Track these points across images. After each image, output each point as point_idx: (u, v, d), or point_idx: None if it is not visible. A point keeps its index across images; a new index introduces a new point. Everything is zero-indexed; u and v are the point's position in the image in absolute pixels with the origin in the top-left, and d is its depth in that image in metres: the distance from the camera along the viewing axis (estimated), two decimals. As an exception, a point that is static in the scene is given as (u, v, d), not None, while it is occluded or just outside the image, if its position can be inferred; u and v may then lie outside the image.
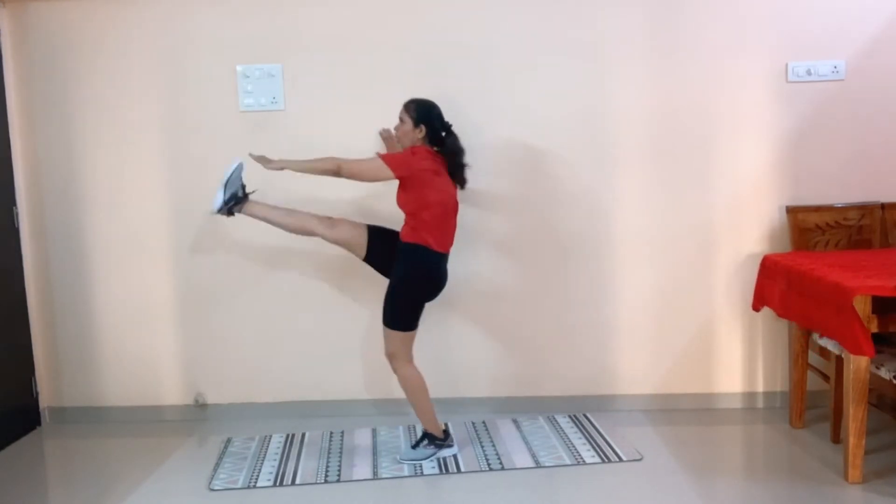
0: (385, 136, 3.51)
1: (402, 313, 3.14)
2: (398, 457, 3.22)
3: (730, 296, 3.66)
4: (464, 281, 3.67)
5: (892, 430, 3.34)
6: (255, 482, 3.06)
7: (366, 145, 3.58)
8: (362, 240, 3.22)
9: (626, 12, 3.55)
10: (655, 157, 3.62)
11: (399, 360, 3.16)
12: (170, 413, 3.83)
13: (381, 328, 3.17)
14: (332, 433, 3.56)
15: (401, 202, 3.16)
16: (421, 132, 3.16)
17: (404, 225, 3.17)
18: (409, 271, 3.13)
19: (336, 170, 3.09)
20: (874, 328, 2.73)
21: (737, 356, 3.70)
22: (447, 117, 3.58)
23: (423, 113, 3.17)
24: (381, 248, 3.21)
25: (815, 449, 3.19)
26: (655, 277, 3.67)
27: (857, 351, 2.73)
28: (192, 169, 3.70)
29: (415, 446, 3.23)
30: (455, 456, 3.23)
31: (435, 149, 3.18)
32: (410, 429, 3.56)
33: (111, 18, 3.63)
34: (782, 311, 3.22)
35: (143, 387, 3.83)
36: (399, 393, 3.59)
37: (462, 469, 3.11)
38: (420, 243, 3.11)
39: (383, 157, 3.09)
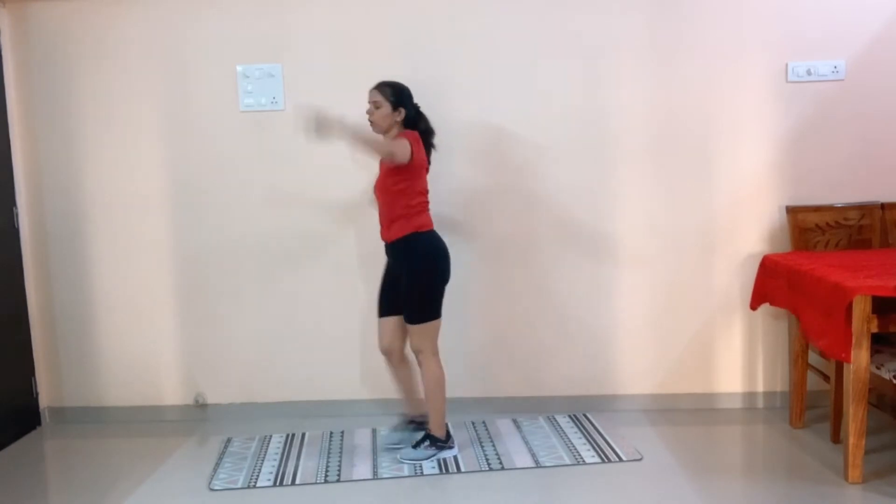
0: None
1: (429, 303, 3.13)
2: (399, 456, 3.21)
3: (730, 296, 3.66)
4: (464, 280, 3.67)
5: (892, 430, 3.34)
6: (255, 482, 3.06)
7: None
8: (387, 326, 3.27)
9: (626, 12, 3.55)
10: (656, 157, 3.62)
11: (426, 353, 3.16)
12: (170, 413, 3.83)
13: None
14: (332, 433, 3.56)
15: (390, 186, 3.08)
16: (400, 115, 3.12)
17: (390, 224, 3.11)
18: (421, 260, 3.11)
19: (390, 153, 2.99)
20: (874, 328, 2.73)
21: (737, 356, 3.70)
22: (449, 117, 3.61)
23: (401, 95, 3.13)
24: (392, 300, 3.24)
25: (815, 449, 3.19)
26: (655, 277, 3.67)
27: (838, 355, 2.75)
28: (192, 169, 3.70)
29: (416, 446, 3.23)
30: (455, 456, 3.23)
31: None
32: (410, 429, 3.56)
33: (111, 18, 3.64)
34: (793, 310, 3.20)
35: (143, 387, 3.83)
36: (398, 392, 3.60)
37: (462, 469, 3.11)
38: (417, 230, 3.10)
39: (406, 137, 3.04)
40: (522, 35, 3.58)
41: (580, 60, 3.58)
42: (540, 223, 3.67)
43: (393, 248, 3.16)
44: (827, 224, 3.52)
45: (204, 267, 3.75)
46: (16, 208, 3.73)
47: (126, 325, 3.80)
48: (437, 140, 3.25)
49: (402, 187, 3.07)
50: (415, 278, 3.11)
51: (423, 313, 3.12)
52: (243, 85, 3.64)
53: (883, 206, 3.52)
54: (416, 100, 3.19)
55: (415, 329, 3.14)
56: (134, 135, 3.70)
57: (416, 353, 3.18)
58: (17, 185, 3.74)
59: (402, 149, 3.00)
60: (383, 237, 3.18)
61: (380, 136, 3.12)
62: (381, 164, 3.16)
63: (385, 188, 3.11)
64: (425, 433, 3.23)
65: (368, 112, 3.14)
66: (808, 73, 3.54)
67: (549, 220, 3.66)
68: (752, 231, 3.63)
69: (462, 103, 3.61)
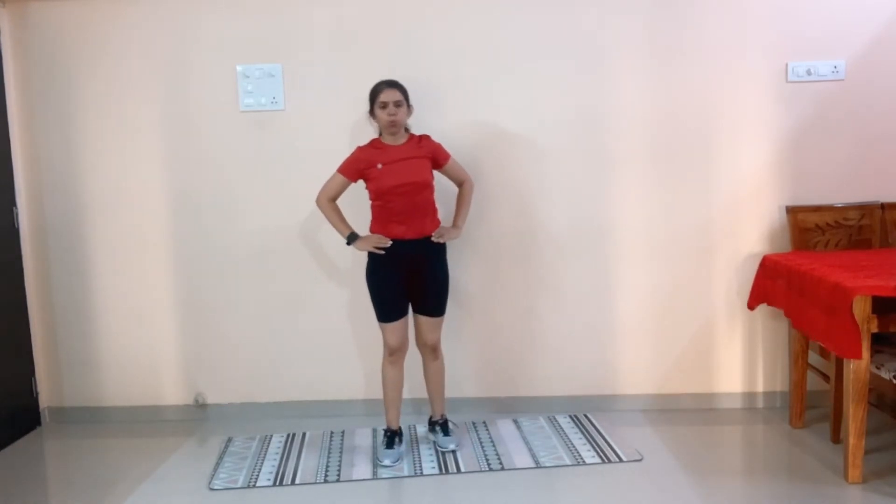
0: None
1: (448, 294, 3.29)
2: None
3: (730, 296, 3.66)
4: (464, 280, 3.67)
5: (892, 430, 3.34)
6: (255, 482, 3.06)
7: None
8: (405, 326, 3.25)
9: (626, 12, 3.55)
10: (655, 157, 3.62)
11: (440, 343, 3.32)
12: (170, 413, 3.83)
13: (379, 327, 3.21)
14: (332, 433, 3.56)
15: (430, 180, 3.19)
16: (412, 113, 3.23)
17: (424, 217, 3.17)
18: (446, 252, 3.28)
19: (472, 184, 3.37)
20: (874, 328, 2.73)
21: (737, 356, 3.70)
22: (448, 117, 3.61)
23: (408, 95, 3.21)
24: (405, 300, 3.25)
25: (815, 449, 3.19)
26: (655, 277, 3.67)
27: (846, 353, 2.74)
28: (192, 169, 3.70)
29: (448, 433, 3.35)
30: (455, 456, 3.23)
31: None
32: (411, 428, 3.56)
33: (111, 18, 3.64)
34: (788, 311, 3.21)
35: (143, 387, 3.83)
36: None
37: (462, 469, 3.11)
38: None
39: (436, 145, 3.25)
40: (523, 35, 3.58)
41: (580, 60, 3.58)
42: (540, 223, 3.67)
43: (422, 243, 3.15)
44: (827, 224, 3.52)
45: (204, 267, 3.75)
46: (16, 208, 3.73)
47: (126, 324, 3.80)
48: (437, 140, 3.29)
49: (431, 178, 3.21)
50: (445, 269, 3.25)
51: (445, 303, 3.28)
52: (243, 85, 3.64)
53: (883, 206, 3.52)
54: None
55: (438, 322, 3.26)
56: (134, 134, 3.70)
57: (434, 346, 3.29)
58: (17, 185, 3.74)
59: (462, 167, 3.33)
60: (415, 233, 3.13)
61: (464, 203, 3.33)
62: (415, 158, 3.14)
63: (427, 182, 3.16)
64: (445, 418, 3.39)
65: (391, 113, 3.09)
66: (808, 73, 3.54)
67: (548, 219, 3.66)
68: (752, 231, 3.63)
69: (462, 103, 3.61)
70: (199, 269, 3.75)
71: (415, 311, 3.26)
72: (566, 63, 3.59)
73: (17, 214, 3.74)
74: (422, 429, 3.54)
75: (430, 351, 3.30)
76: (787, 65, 3.54)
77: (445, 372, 3.39)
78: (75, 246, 3.77)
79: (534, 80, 3.59)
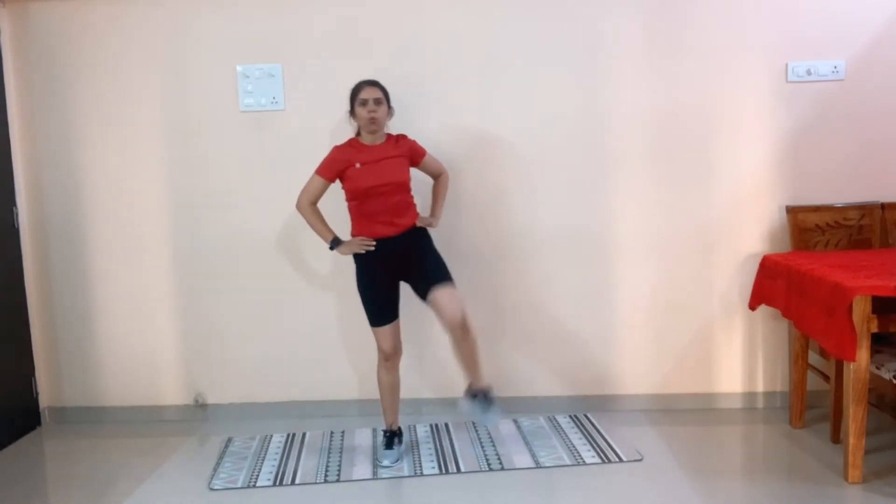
0: None
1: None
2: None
3: (730, 296, 3.66)
4: (463, 280, 3.67)
5: (892, 430, 3.34)
6: (255, 482, 3.06)
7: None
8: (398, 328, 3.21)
9: (626, 12, 3.55)
10: (655, 157, 3.62)
11: (466, 311, 3.06)
12: (170, 413, 3.83)
13: (372, 332, 3.18)
14: (332, 433, 3.56)
15: (406, 179, 3.16)
16: (392, 115, 3.21)
17: (403, 214, 3.12)
18: (429, 236, 3.24)
19: (447, 175, 3.38)
20: (874, 328, 2.73)
21: (737, 356, 3.70)
22: (449, 116, 3.61)
23: (388, 95, 3.19)
24: (396, 302, 3.21)
25: (815, 449, 3.19)
26: (655, 277, 3.68)
27: (842, 354, 2.74)
28: (192, 169, 3.70)
29: (487, 406, 3.17)
30: (455, 456, 3.23)
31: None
32: (411, 429, 3.55)
33: (111, 19, 3.64)
34: (786, 312, 3.21)
35: (143, 387, 3.83)
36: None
37: (462, 469, 3.11)
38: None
39: (413, 142, 3.23)
40: (522, 36, 3.58)
41: (580, 61, 3.58)
42: (539, 222, 3.67)
43: (406, 236, 3.13)
44: (827, 224, 3.52)
45: (204, 266, 3.75)
46: (16, 208, 3.73)
47: (126, 324, 3.80)
48: (439, 140, 3.28)
49: (409, 177, 3.18)
50: (436, 250, 3.19)
51: (449, 273, 3.12)
52: (243, 85, 3.64)
53: (883, 206, 3.52)
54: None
55: (453, 290, 3.04)
56: (134, 134, 3.70)
57: (463, 320, 3.01)
58: (17, 185, 3.74)
59: (437, 160, 3.31)
60: (398, 229, 3.10)
61: (441, 194, 3.34)
62: (394, 158, 3.12)
63: (404, 182, 3.14)
64: (479, 391, 3.18)
65: (371, 110, 3.06)
66: (808, 73, 3.54)
67: (548, 219, 3.66)
68: (752, 231, 3.63)
69: (462, 104, 3.61)
70: (200, 268, 3.75)
71: (424, 295, 3.08)
72: (566, 63, 3.58)
73: (17, 214, 3.74)
74: (422, 429, 3.54)
75: (460, 328, 3.02)
76: (787, 65, 3.55)
77: (445, 372, 3.37)
78: (75, 246, 3.77)
79: (533, 80, 3.59)
